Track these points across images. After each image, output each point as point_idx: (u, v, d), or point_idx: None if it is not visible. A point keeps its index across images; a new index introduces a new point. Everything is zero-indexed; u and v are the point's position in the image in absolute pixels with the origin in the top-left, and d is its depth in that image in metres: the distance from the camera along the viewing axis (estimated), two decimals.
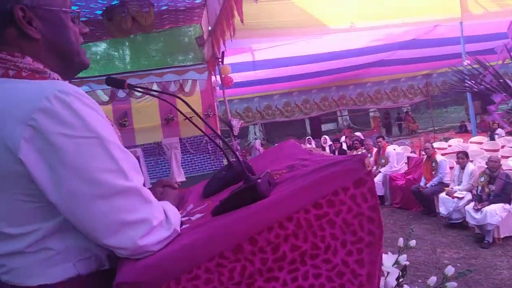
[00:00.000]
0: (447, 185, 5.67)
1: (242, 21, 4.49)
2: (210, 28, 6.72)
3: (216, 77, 7.42)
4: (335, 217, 0.76)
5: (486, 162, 5.09)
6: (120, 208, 0.71)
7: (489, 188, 4.86)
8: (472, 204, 4.92)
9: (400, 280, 1.14)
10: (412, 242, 1.19)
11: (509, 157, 5.99)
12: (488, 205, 4.68)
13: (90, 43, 7.65)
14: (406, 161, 7.33)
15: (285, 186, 0.83)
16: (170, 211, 0.82)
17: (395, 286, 1.11)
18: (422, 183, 6.10)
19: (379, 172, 7.15)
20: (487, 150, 6.86)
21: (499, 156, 5.49)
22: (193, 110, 0.93)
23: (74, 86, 0.73)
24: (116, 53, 8.09)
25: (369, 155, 7.73)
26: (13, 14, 0.75)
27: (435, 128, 15.89)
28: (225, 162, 8.03)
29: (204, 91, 7.85)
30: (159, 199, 0.95)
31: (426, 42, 9.09)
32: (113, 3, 5.54)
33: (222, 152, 1.24)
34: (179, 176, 7.08)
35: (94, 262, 0.81)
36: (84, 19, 5.96)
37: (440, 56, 10.69)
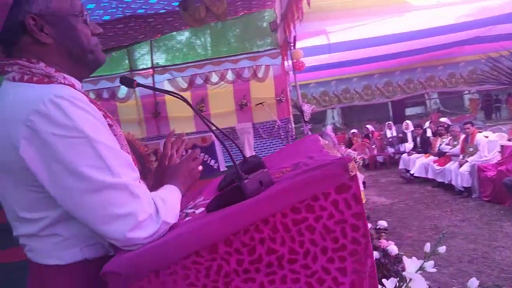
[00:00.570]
0: None
1: (308, 3, 4.37)
2: (282, 12, 6.67)
3: (288, 62, 7.37)
4: (315, 223, 0.72)
5: None
6: (108, 202, 0.77)
7: None
8: None
9: None
10: (442, 249, 1.07)
11: None
12: None
13: (174, 32, 8.13)
14: (500, 150, 6.53)
15: (274, 187, 0.81)
16: (162, 203, 0.84)
17: None
18: None
19: (466, 161, 6.50)
20: None
21: None
22: (191, 106, 0.95)
23: (71, 90, 0.80)
24: (198, 41, 8.47)
25: (455, 142, 7.07)
26: (25, 23, 0.83)
27: None
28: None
29: (277, 76, 7.88)
30: (163, 178, 1.00)
31: None
32: None
33: (238, 148, 1.25)
34: None
35: (99, 249, 0.89)
36: (163, 11, 6.33)
37: None
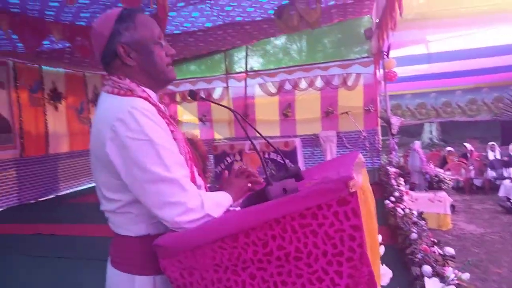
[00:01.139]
0: None
1: (401, 14, 4.26)
2: (377, 20, 6.53)
3: (379, 71, 7.17)
4: (318, 228, 0.85)
5: None
6: (163, 191, 0.99)
7: None
8: None
9: None
10: (466, 275, 1.08)
11: None
12: None
13: (271, 37, 8.48)
14: None
15: (292, 195, 0.95)
16: (209, 199, 1.05)
17: None
18: None
19: None
20: None
21: None
22: (240, 116, 1.13)
23: (144, 103, 1.05)
24: (294, 46, 8.68)
25: None
26: (116, 51, 1.11)
27: None
28: (383, 159, 7.73)
29: (368, 85, 7.71)
30: (222, 187, 1.20)
31: None
32: (284, 2, 6.03)
33: (282, 159, 1.38)
34: None
35: (160, 226, 1.12)
36: (260, 18, 6.69)
37: None
